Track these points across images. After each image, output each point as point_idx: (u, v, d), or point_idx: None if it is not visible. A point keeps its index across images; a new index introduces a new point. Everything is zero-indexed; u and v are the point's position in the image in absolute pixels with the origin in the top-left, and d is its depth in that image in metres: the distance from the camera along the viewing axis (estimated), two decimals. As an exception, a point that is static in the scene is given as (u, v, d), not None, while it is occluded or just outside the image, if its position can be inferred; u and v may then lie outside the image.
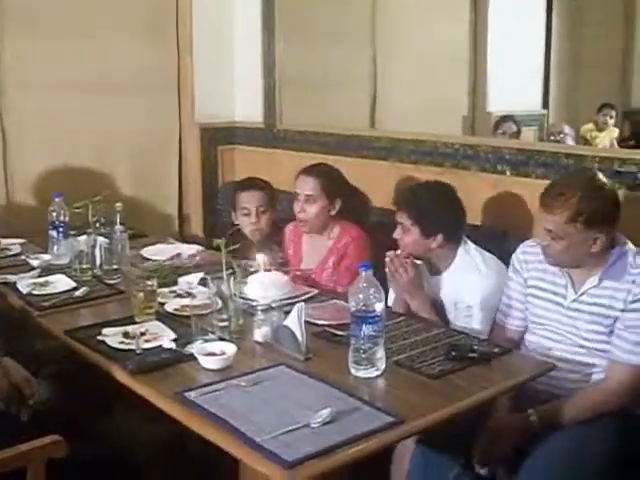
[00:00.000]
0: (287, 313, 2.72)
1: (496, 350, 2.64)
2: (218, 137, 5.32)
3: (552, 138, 6.01)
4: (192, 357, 2.52)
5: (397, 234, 3.22)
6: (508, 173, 3.69)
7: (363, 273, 2.38)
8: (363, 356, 2.39)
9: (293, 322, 2.56)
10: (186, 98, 5.19)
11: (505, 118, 5.89)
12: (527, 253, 2.99)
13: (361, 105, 5.52)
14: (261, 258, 3.03)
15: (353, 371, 2.43)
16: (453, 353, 2.55)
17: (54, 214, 3.86)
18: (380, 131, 4.52)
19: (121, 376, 2.49)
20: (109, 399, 3.17)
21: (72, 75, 4.70)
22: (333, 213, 3.74)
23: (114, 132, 4.91)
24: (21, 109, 4.60)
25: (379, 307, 2.37)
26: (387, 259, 3.11)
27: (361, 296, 2.36)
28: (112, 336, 2.74)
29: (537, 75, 7.23)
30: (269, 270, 3.23)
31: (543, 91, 7.30)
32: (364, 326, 2.36)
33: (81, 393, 3.36)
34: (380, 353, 2.42)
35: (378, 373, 2.42)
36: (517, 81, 6.77)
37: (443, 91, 6.06)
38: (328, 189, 3.70)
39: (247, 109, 5.27)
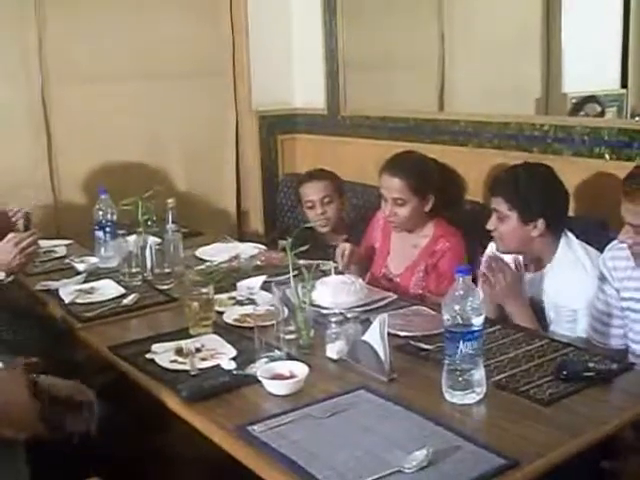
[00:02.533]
0: (363, 323, 2.36)
1: (615, 367, 2.21)
2: (278, 125, 5.00)
3: (637, 119, 5.52)
4: (255, 379, 2.16)
5: (491, 224, 2.83)
6: (607, 157, 3.28)
7: (460, 279, 1.98)
8: (460, 379, 2.00)
9: (374, 337, 2.17)
10: (242, 84, 4.87)
11: (588, 99, 5.45)
12: (616, 258, 2.53)
13: (428, 88, 5.12)
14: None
15: (448, 396, 2.04)
16: (565, 372, 2.14)
17: (100, 213, 3.56)
18: (457, 114, 4.11)
19: (173, 403, 2.15)
20: (162, 414, 2.84)
21: (118, 63, 4.44)
22: (428, 209, 3.31)
23: (165, 123, 4.64)
24: (66, 102, 4.34)
25: (479, 321, 1.97)
26: (484, 261, 2.70)
27: (457, 307, 1.96)
28: (163, 353, 2.41)
29: (614, 53, 6.76)
30: (341, 273, 2.87)
31: (621, 69, 6.83)
32: (461, 343, 1.97)
33: (131, 409, 3.03)
34: (479, 374, 2.02)
35: (478, 398, 2.03)
36: (593, 60, 6.32)
37: (515, 72, 5.66)
38: (418, 187, 3.26)
39: (308, 95, 4.94)
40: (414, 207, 3.27)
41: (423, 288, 3.24)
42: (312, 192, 3.79)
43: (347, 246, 3.29)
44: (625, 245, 2.42)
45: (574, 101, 5.71)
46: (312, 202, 3.78)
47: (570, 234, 2.83)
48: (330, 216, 3.78)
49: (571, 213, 3.19)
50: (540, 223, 2.76)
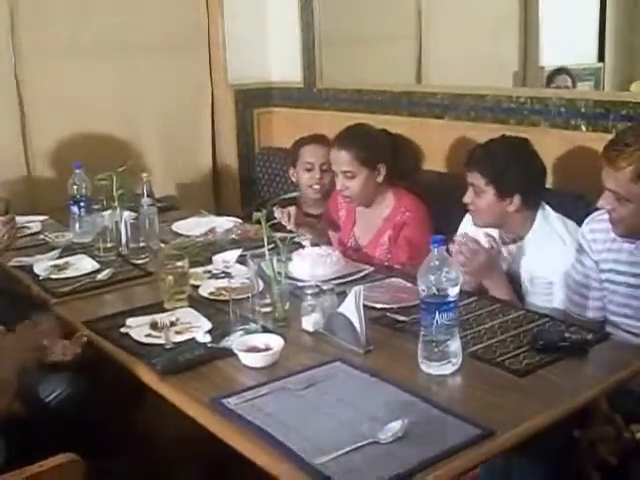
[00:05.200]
0: (340, 295, 2.36)
1: (590, 337, 2.22)
2: (253, 99, 4.96)
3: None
4: (231, 352, 2.14)
5: (468, 198, 2.81)
6: (584, 128, 3.28)
7: (435, 250, 1.97)
8: (436, 350, 2.00)
9: (350, 309, 2.16)
10: (217, 58, 4.83)
11: (559, 71, 5.43)
12: (595, 231, 2.53)
13: (406, 62, 5.09)
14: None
15: (424, 367, 2.03)
16: (541, 342, 2.14)
17: (75, 188, 3.51)
18: (434, 86, 4.10)
19: (147, 377, 2.14)
20: (139, 389, 2.83)
21: (92, 39, 4.36)
22: (380, 180, 3.30)
23: (140, 98, 4.58)
24: (39, 78, 4.27)
25: (454, 291, 1.97)
26: (455, 245, 2.64)
27: (432, 278, 1.95)
28: (137, 327, 2.39)
29: (592, 26, 6.74)
30: (317, 245, 2.86)
31: (599, 43, 6.81)
32: (437, 314, 1.96)
33: (108, 384, 3.01)
34: (455, 345, 2.02)
35: (454, 369, 2.02)
36: (571, 33, 6.29)
37: (493, 45, 5.63)
38: (366, 158, 3.25)
39: (284, 68, 4.91)
40: (365, 178, 3.26)
41: (389, 260, 3.23)
42: (313, 155, 3.74)
43: (291, 208, 3.29)
44: (605, 217, 2.42)
45: (547, 74, 5.70)
46: (312, 165, 3.73)
47: (547, 207, 2.82)
48: (325, 183, 3.73)
49: (548, 185, 3.19)
50: (516, 198, 2.74)
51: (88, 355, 2.73)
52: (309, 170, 3.74)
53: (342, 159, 3.26)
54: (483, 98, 3.67)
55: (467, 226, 2.91)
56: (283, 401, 1.89)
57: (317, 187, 3.74)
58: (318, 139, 3.81)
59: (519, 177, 2.74)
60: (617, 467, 2.14)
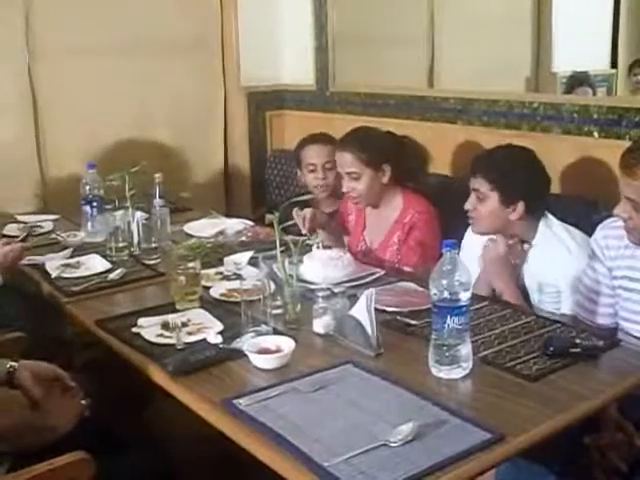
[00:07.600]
0: (351, 298, 2.35)
1: (601, 343, 2.21)
2: (266, 102, 4.98)
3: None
4: (242, 354, 2.15)
5: (470, 204, 2.80)
6: (596, 135, 3.27)
7: (447, 254, 1.97)
8: (446, 354, 2.00)
9: (361, 312, 2.17)
10: (230, 60, 4.85)
11: (579, 82, 5.40)
12: (609, 237, 2.51)
13: (418, 65, 5.09)
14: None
15: (434, 371, 2.03)
16: (551, 348, 2.14)
17: (87, 187, 3.55)
18: (447, 91, 4.10)
19: (159, 377, 2.14)
20: (150, 389, 2.84)
21: (107, 37, 4.38)
22: (385, 181, 3.33)
23: (153, 98, 4.60)
24: (54, 76, 4.30)
25: (466, 295, 1.97)
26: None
27: (445, 282, 1.95)
28: (149, 327, 2.40)
29: (605, 33, 6.73)
30: (329, 247, 2.87)
31: (611, 49, 6.80)
32: (448, 318, 1.96)
33: (118, 384, 3.02)
34: (466, 349, 2.02)
35: (464, 373, 2.02)
36: (583, 40, 6.29)
37: (505, 51, 5.63)
38: (370, 159, 3.28)
39: (297, 71, 4.92)
40: (370, 179, 3.30)
41: (399, 261, 3.24)
42: (315, 155, 3.77)
43: (307, 210, 3.29)
44: (619, 224, 2.40)
45: (564, 80, 5.68)
46: (314, 165, 3.76)
47: (550, 215, 2.81)
48: (330, 183, 3.75)
49: (559, 191, 3.20)
50: (520, 206, 2.73)
51: (99, 355, 2.75)
52: (312, 171, 3.77)
53: (346, 160, 3.30)
54: (496, 103, 3.67)
55: (471, 236, 2.91)
56: (294, 403, 1.90)
57: (322, 187, 3.75)
58: (319, 138, 3.83)
59: (524, 183, 2.74)
60: (627, 474, 2.14)
